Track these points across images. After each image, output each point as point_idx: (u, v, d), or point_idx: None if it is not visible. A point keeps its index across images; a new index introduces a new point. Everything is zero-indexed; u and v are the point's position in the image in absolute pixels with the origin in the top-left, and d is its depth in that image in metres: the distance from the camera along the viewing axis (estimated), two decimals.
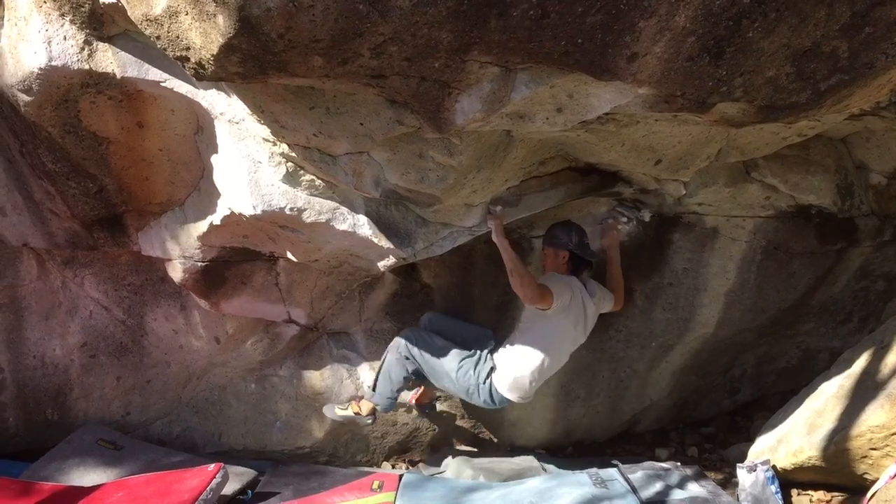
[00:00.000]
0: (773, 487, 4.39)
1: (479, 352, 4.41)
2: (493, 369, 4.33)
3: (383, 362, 4.50)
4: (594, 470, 4.69)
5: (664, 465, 4.81)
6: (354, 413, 4.67)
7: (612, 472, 4.62)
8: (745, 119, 3.00)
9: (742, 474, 4.51)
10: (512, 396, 4.33)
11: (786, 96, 2.83)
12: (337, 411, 4.71)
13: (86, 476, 4.42)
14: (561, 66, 2.72)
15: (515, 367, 4.26)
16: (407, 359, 4.42)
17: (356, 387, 4.92)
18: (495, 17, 2.48)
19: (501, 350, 4.37)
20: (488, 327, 4.70)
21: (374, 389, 4.56)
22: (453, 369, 4.34)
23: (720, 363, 5.52)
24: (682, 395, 5.64)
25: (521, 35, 2.55)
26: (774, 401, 5.63)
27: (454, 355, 4.37)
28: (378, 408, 4.62)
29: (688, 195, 4.28)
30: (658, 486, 4.44)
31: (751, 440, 5.02)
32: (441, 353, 4.38)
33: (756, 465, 4.46)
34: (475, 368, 4.33)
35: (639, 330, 5.07)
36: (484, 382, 4.32)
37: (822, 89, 2.81)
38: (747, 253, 4.74)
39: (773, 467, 4.49)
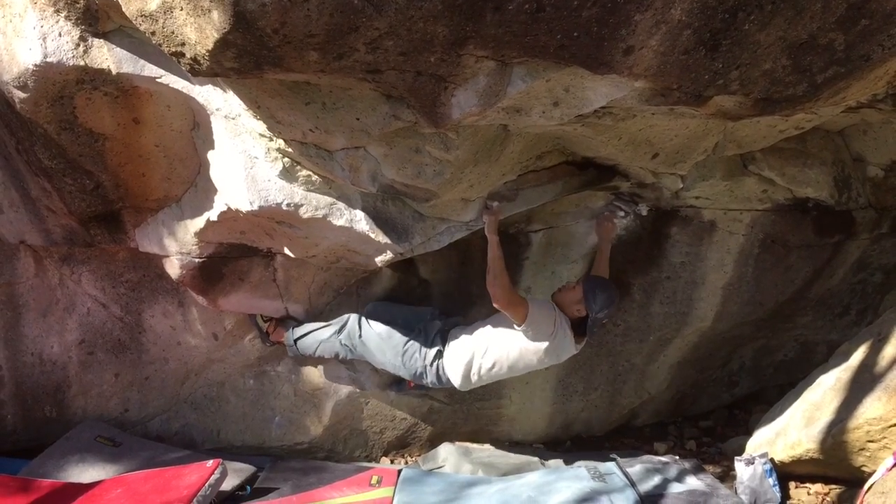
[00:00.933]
0: (771, 480, 4.41)
1: (422, 333, 4.38)
2: (440, 353, 4.32)
3: (320, 329, 4.52)
4: (592, 464, 4.70)
5: (662, 458, 4.82)
6: (266, 330, 4.74)
7: (610, 466, 4.63)
8: (742, 112, 2.99)
9: (740, 467, 4.52)
10: (458, 383, 4.33)
11: (782, 89, 2.82)
12: (258, 319, 4.75)
13: (84, 473, 4.42)
14: (557, 59, 2.71)
15: (471, 363, 4.26)
16: (344, 345, 4.46)
17: (354, 383, 4.92)
18: (491, 11, 2.48)
19: (464, 336, 4.32)
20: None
21: (296, 340, 4.58)
22: (398, 353, 4.33)
23: (718, 357, 5.53)
24: (681, 388, 5.65)
25: (516, 29, 2.55)
26: (772, 394, 5.64)
27: (397, 340, 4.35)
28: (287, 348, 4.68)
29: (685, 189, 4.28)
30: (656, 480, 4.45)
31: (749, 433, 5.04)
32: (384, 340, 4.37)
33: (754, 458, 4.48)
34: (420, 351, 4.32)
35: (637, 324, 5.08)
36: (431, 365, 4.32)
37: (819, 82, 2.80)
38: (745, 246, 4.74)
39: (771, 460, 4.51)
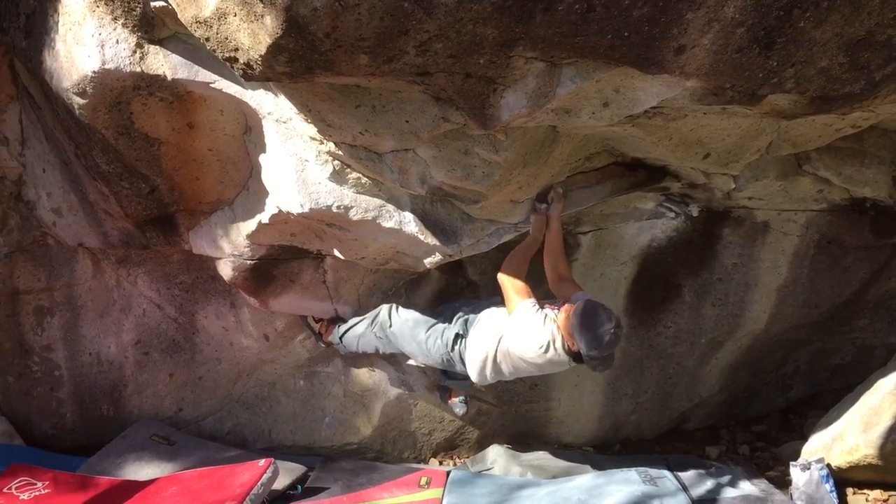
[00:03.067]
0: (828, 486, 4.32)
1: (446, 318, 4.20)
2: (459, 337, 4.09)
3: (358, 323, 4.47)
4: (643, 467, 4.65)
5: (715, 462, 4.75)
6: (318, 331, 4.72)
7: (661, 470, 4.57)
8: (797, 111, 2.95)
9: (796, 473, 4.44)
10: (474, 378, 4.10)
11: (839, 87, 2.77)
12: (309, 319, 4.74)
13: (140, 470, 4.51)
14: (607, 60, 2.70)
15: (485, 362, 3.98)
16: (378, 337, 4.38)
17: (403, 384, 4.94)
18: (540, 12, 2.48)
19: (482, 327, 4.04)
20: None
21: (340, 337, 4.55)
22: (422, 341, 4.18)
23: (772, 360, 5.43)
24: (733, 392, 5.56)
25: (566, 29, 2.54)
26: (828, 398, 5.52)
27: (422, 326, 4.20)
28: (334, 346, 4.66)
29: (737, 189, 4.21)
30: (709, 484, 4.39)
31: (804, 438, 4.94)
32: (411, 328, 4.24)
33: (810, 464, 4.39)
34: (442, 336, 4.12)
35: (688, 326, 5.01)
36: (453, 350, 4.10)
37: (877, 79, 2.75)
38: (799, 247, 4.65)
39: (828, 465, 4.42)
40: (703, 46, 2.59)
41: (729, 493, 4.31)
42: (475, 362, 3.98)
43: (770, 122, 3.50)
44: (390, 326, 4.33)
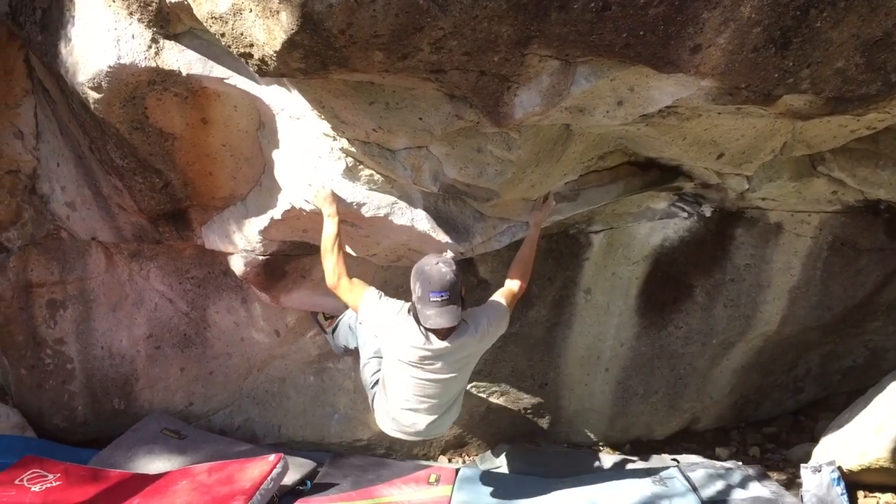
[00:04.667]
0: (839, 489, 4.29)
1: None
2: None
3: (339, 322, 4.34)
4: (653, 467, 4.64)
5: (725, 464, 4.74)
6: (326, 329, 4.61)
7: (671, 471, 4.56)
8: (813, 111, 2.93)
9: (806, 475, 4.41)
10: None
11: (855, 88, 2.76)
12: (319, 317, 4.67)
13: (151, 464, 4.54)
14: (622, 58, 2.69)
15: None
16: (351, 330, 4.22)
17: None
18: (556, 10, 2.47)
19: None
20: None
21: (332, 333, 4.46)
22: (363, 364, 4.02)
23: (784, 362, 5.41)
24: (744, 393, 5.54)
25: (581, 28, 2.54)
26: (840, 400, 5.49)
27: (366, 348, 4.00)
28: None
29: (751, 190, 4.19)
30: (719, 486, 4.38)
31: (815, 441, 4.92)
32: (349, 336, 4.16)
33: (821, 466, 4.37)
34: (372, 374, 3.91)
35: (699, 327, 5.00)
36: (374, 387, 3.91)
37: (894, 80, 2.73)
38: (813, 249, 4.63)
39: (839, 468, 4.39)
40: (719, 46, 2.58)
41: (739, 494, 4.29)
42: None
43: (785, 122, 3.48)
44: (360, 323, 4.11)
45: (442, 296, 3.26)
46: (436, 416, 3.76)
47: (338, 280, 3.58)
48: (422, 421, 3.75)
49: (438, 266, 3.32)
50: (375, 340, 3.88)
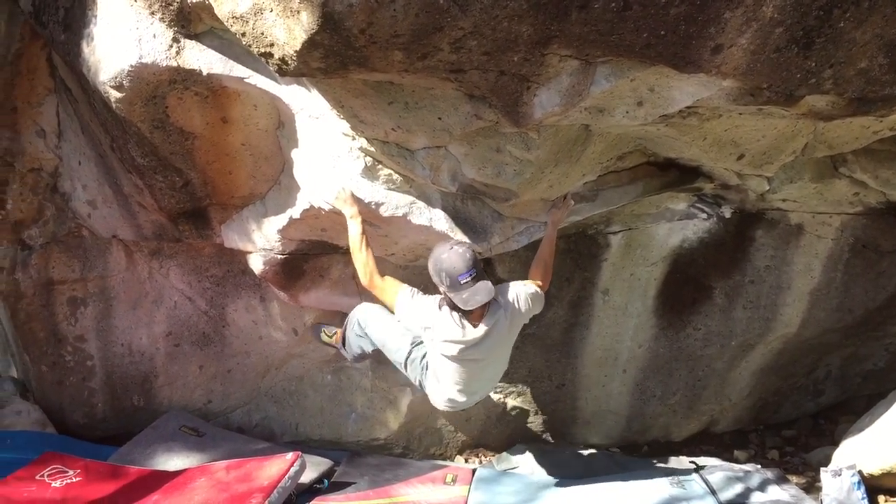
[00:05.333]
0: (860, 493, 4.25)
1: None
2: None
3: (345, 329, 4.28)
4: (671, 470, 4.62)
5: (744, 467, 4.70)
6: (334, 343, 4.55)
7: (689, 473, 4.54)
8: (835, 112, 2.91)
9: (826, 479, 4.37)
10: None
11: (878, 88, 2.74)
12: (323, 337, 4.62)
13: (170, 461, 4.57)
14: (642, 58, 2.68)
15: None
16: (360, 336, 4.17)
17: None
18: (576, 10, 2.47)
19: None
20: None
21: (343, 345, 4.37)
22: (402, 357, 3.97)
23: (803, 364, 5.37)
24: (763, 396, 5.50)
25: (602, 27, 2.53)
26: (860, 404, 5.44)
27: (405, 339, 3.95)
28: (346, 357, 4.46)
29: (771, 191, 4.16)
30: (738, 489, 4.34)
31: (835, 444, 4.87)
32: (390, 332, 4.01)
33: (841, 470, 4.32)
34: (421, 360, 3.89)
35: (718, 328, 4.97)
36: (425, 374, 3.88)
37: None
38: (834, 251, 4.60)
39: (860, 472, 4.34)
40: (741, 46, 2.57)
41: (758, 497, 4.26)
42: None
43: (806, 123, 3.46)
44: (367, 324, 4.14)
45: (470, 274, 3.32)
46: (488, 388, 4.00)
47: (370, 279, 3.63)
48: (474, 399, 3.90)
49: (454, 249, 3.36)
50: (409, 334, 3.92)
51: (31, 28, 4.15)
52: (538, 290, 3.75)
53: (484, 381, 3.86)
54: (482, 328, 3.51)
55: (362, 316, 4.13)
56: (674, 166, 4.04)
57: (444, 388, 3.79)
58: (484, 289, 3.35)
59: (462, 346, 3.54)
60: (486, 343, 3.58)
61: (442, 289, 3.42)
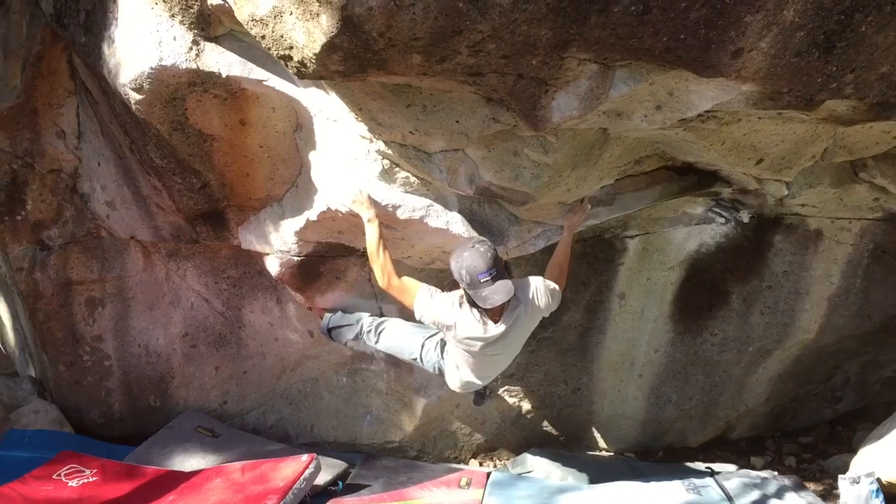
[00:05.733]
0: (878, 501, 4.21)
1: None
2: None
3: (345, 327, 4.41)
4: (687, 475, 4.59)
5: (761, 473, 4.66)
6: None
7: (706, 479, 4.51)
8: (856, 117, 2.90)
9: (844, 486, 4.33)
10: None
11: None
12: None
13: (185, 461, 4.58)
14: (662, 62, 2.67)
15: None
16: (356, 340, 4.38)
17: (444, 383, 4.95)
18: (596, 14, 2.47)
19: None
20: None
21: (329, 329, 4.47)
22: (416, 352, 4.09)
23: (821, 370, 5.33)
24: (780, 402, 5.47)
25: (621, 31, 2.53)
26: (879, 411, 5.39)
27: (417, 336, 4.11)
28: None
29: (790, 196, 4.13)
30: (755, 495, 4.31)
31: (853, 451, 4.83)
32: (402, 335, 4.18)
33: (860, 478, 4.28)
34: (435, 348, 4.01)
35: (735, 334, 4.94)
36: (442, 357, 4.01)
37: None
38: (853, 256, 4.57)
39: (878, 480, 4.30)
40: (761, 50, 2.55)
41: None
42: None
43: (826, 127, 3.43)
44: (373, 334, 4.29)
45: (491, 273, 3.33)
46: (501, 371, 4.05)
47: (388, 280, 3.69)
48: (488, 380, 4.01)
49: (476, 248, 3.39)
50: (420, 332, 4.07)
51: (52, 30, 4.19)
52: (556, 286, 3.75)
53: (499, 367, 3.97)
54: (502, 325, 3.54)
55: (365, 329, 4.31)
56: (692, 170, 4.02)
57: (462, 374, 3.87)
58: (503, 288, 3.36)
59: (482, 342, 3.58)
60: (505, 339, 3.62)
61: (462, 286, 3.45)
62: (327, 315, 4.53)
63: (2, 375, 5.48)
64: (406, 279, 3.72)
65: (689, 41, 2.54)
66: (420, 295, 3.64)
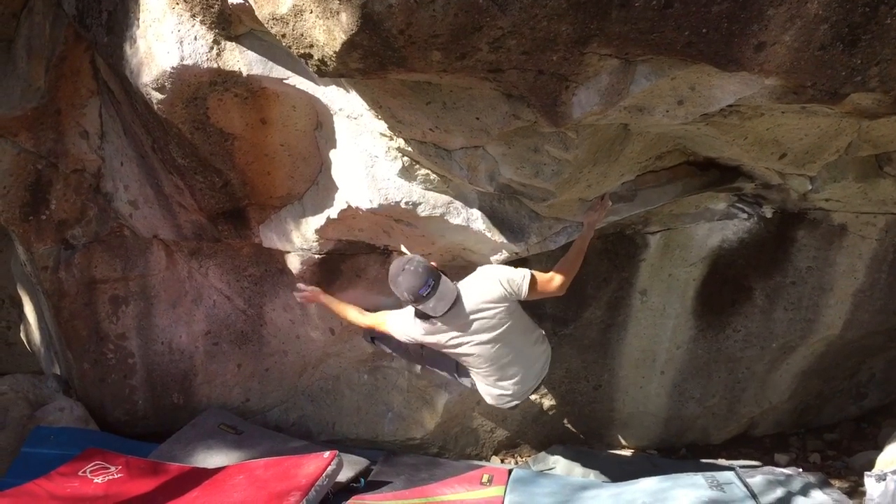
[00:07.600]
0: None
1: None
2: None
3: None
4: (710, 473, 4.55)
5: (785, 470, 4.62)
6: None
7: (729, 476, 4.47)
8: (881, 110, 2.86)
9: (870, 483, 4.28)
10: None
11: None
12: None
13: (209, 458, 4.62)
14: (683, 57, 2.65)
15: None
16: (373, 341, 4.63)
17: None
18: (616, 8, 2.45)
19: None
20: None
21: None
22: (453, 369, 4.20)
23: (846, 367, 5.27)
24: (804, 398, 5.42)
25: (642, 26, 2.51)
26: None
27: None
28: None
29: (814, 191, 4.08)
30: (779, 493, 4.28)
31: (879, 448, 4.78)
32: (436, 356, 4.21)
33: (885, 475, 4.23)
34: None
35: (758, 330, 4.90)
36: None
37: None
38: (878, 251, 4.51)
39: None
40: (785, 43, 2.52)
41: (800, 502, 4.18)
42: None
43: (850, 121, 3.39)
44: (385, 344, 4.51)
45: (429, 284, 3.52)
46: (519, 375, 3.95)
47: (369, 326, 4.13)
48: (519, 381, 3.98)
49: (406, 270, 3.55)
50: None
51: (75, 31, 4.22)
52: (527, 271, 3.74)
53: (513, 362, 3.90)
54: (445, 311, 3.60)
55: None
56: (714, 166, 3.98)
57: (481, 381, 3.99)
58: (446, 290, 3.57)
59: (442, 333, 3.74)
60: (466, 319, 3.69)
61: (408, 303, 3.66)
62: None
63: (27, 373, 5.54)
64: (375, 315, 4.09)
65: (712, 35, 2.52)
66: (389, 323, 3.97)
